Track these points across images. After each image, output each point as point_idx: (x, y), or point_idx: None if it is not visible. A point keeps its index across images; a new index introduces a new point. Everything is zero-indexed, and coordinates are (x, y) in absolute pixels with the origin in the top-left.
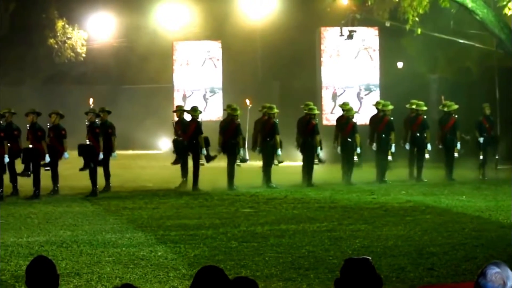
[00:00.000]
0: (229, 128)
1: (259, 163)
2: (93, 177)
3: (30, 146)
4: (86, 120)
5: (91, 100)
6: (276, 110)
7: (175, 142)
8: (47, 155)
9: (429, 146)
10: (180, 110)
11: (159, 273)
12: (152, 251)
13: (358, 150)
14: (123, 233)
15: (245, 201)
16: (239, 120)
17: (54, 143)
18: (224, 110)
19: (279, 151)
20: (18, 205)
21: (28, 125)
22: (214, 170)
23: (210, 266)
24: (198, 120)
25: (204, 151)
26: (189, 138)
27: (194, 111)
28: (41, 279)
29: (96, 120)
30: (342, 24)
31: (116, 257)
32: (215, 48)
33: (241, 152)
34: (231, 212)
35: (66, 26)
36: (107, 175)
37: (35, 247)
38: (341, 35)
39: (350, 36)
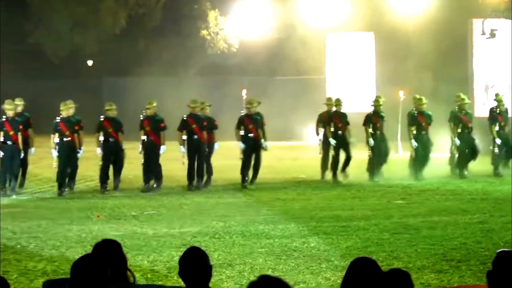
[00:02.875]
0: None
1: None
2: (256, 167)
3: (195, 136)
4: (247, 112)
5: (244, 91)
6: (424, 102)
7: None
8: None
9: None
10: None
11: (312, 264)
12: (304, 242)
13: None
14: (276, 224)
15: (397, 193)
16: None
17: (207, 133)
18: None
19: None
20: (170, 196)
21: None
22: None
23: (364, 258)
24: (341, 111)
25: (353, 140)
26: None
27: (338, 102)
28: (194, 270)
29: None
30: (488, 14)
31: (268, 248)
32: (367, 39)
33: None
34: (383, 204)
35: (219, 17)
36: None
37: (188, 238)
38: (483, 33)
39: (492, 35)
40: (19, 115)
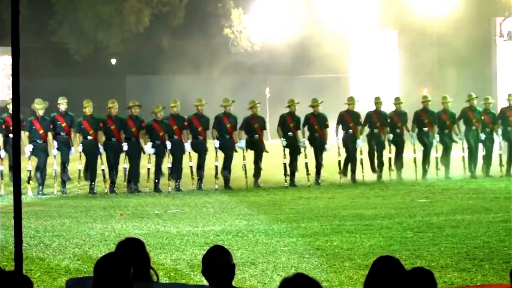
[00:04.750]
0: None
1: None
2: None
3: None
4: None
5: (267, 90)
6: (448, 100)
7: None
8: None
9: None
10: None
11: (335, 262)
12: (327, 240)
13: None
14: (299, 222)
15: (421, 191)
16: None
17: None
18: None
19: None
20: (193, 195)
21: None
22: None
23: (387, 256)
24: (380, 109)
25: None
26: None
27: (378, 99)
28: (217, 268)
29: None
30: (506, 16)
31: (291, 247)
32: (391, 37)
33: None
34: (407, 202)
35: (242, 15)
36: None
37: (211, 237)
38: (500, 35)
39: (510, 37)
40: (64, 114)
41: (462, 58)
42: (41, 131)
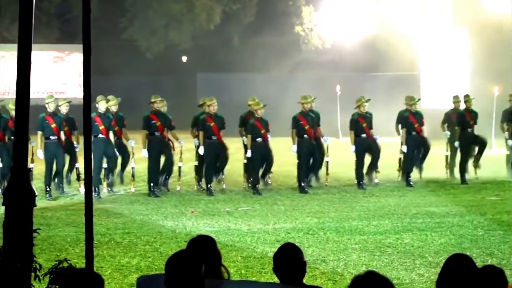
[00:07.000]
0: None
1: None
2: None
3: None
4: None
5: (337, 87)
6: None
7: None
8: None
9: None
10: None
11: (405, 260)
12: (398, 238)
13: None
14: (370, 220)
15: (491, 189)
16: (461, 108)
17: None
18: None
19: None
20: (265, 192)
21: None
22: None
23: (461, 254)
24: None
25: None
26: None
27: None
28: (288, 266)
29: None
30: None
31: (362, 244)
32: (461, 35)
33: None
34: (477, 200)
35: (313, 13)
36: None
37: (281, 234)
38: None
39: None
40: (158, 113)
41: None
42: (116, 128)
